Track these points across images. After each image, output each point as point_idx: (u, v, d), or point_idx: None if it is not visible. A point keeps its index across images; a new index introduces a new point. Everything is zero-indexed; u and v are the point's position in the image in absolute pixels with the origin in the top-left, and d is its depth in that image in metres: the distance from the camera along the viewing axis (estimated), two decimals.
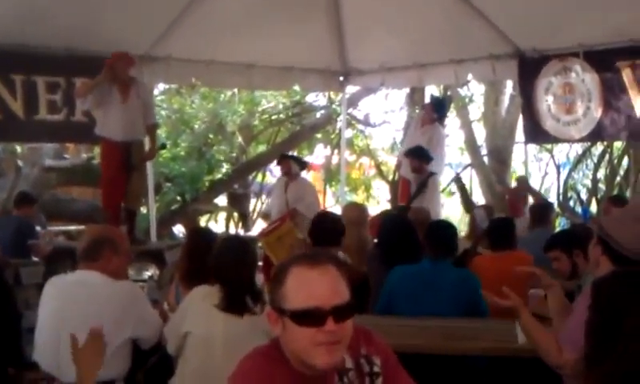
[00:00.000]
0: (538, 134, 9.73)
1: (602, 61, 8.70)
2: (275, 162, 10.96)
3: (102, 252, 4.22)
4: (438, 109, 10.91)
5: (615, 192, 13.99)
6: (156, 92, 13.90)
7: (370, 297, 5.70)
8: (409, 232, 6.04)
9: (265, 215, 10.92)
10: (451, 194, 17.56)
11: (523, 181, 10.38)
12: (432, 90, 15.37)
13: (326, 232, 5.97)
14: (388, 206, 11.54)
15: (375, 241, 6.95)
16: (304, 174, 10.46)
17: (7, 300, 4.94)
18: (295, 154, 15.58)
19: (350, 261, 6.53)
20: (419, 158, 9.80)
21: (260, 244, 8.69)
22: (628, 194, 13.59)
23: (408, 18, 9.66)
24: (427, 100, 11.36)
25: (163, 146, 9.11)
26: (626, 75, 8.43)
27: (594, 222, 4.03)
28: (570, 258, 5.29)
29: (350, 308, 2.45)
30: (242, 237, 4.68)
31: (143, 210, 10.83)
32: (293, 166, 9.75)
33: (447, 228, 5.74)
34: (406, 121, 15.02)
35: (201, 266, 4.48)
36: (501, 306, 3.91)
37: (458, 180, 9.52)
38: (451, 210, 17.90)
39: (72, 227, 12.08)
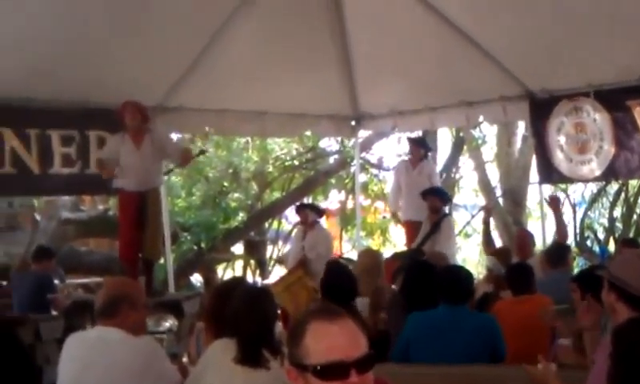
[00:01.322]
0: (551, 174, 9.71)
1: (613, 100, 8.71)
2: (291, 208, 11.07)
3: (120, 308, 4.20)
4: (422, 144, 11.14)
5: (632, 230, 13.95)
6: None
7: (391, 347, 5.69)
8: (432, 279, 6.01)
9: (280, 260, 11.01)
10: (467, 236, 17.48)
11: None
12: (445, 132, 15.45)
13: (341, 289, 5.92)
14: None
15: (394, 287, 6.95)
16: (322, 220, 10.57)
17: (24, 363, 4.89)
18: (310, 200, 15.64)
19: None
20: (441, 198, 9.89)
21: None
22: None
23: (417, 61, 9.72)
24: (407, 144, 11.42)
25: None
26: (637, 114, 8.43)
27: (604, 270, 4.02)
28: (583, 298, 5.33)
29: (371, 359, 2.47)
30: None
31: (160, 260, 10.84)
32: (310, 215, 9.87)
33: (461, 272, 5.72)
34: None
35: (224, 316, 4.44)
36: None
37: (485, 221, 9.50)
38: (468, 252, 17.83)
39: (90, 279, 12.11)
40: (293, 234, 13.55)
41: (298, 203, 11.19)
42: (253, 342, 4.07)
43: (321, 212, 10.47)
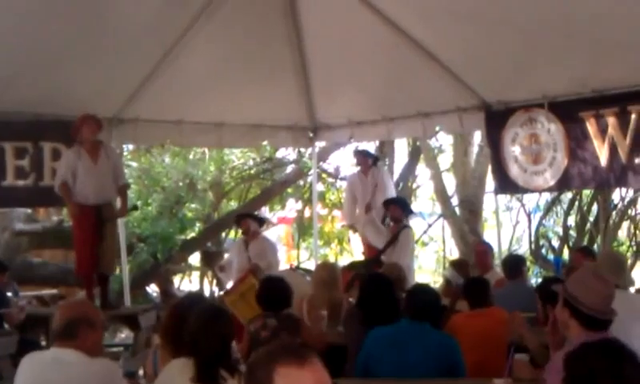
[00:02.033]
0: (507, 184, 9.78)
1: (567, 111, 8.79)
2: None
3: (78, 331, 4.14)
4: (367, 154, 11.17)
5: (586, 239, 14.13)
6: (125, 151, 13.88)
7: (349, 359, 5.69)
8: (390, 293, 6.04)
9: (221, 267, 10.80)
10: (424, 244, 17.55)
11: None
12: (402, 142, 15.51)
13: (275, 296, 6.09)
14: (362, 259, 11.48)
15: (351, 300, 6.95)
16: (271, 229, 10.52)
17: None
18: (267, 209, 15.59)
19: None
20: (402, 207, 9.90)
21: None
22: (599, 240, 13.70)
23: (374, 72, 9.76)
24: (354, 157, 11.47)
25: (135, 208, 9.18)
26: (590, 125, 8.52)
27: (559, 285, 4.07)
28: (543, 309, 5.39)
29: None
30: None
31: (115, 272, 10.73)
32: (252, 225, 9.79)
33: (431, 292, 5.69)
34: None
35: (181, 335, 4.41)
36: None
37: None
38: (425, 261, 17.91)
39: (44, 292, 11.96)
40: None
41: (237, 214, 11.01)
42: (210, 362, 4.05)
43: (262, 221, 10.42)
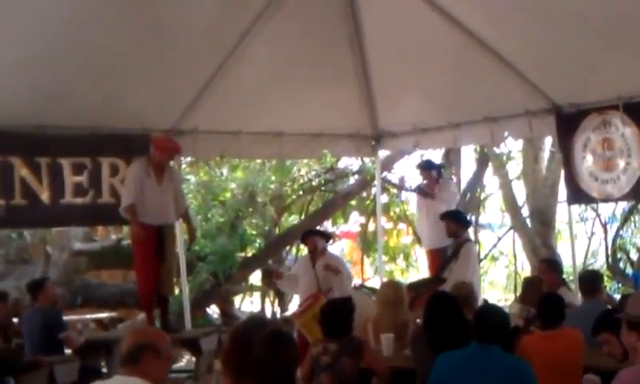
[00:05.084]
0: (579, 194, 9.19)
1: None
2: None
3: (144, 357, 3.98)
4: (430, 167, 10.81)
5: None
6: (183, 165, 13.67)
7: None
8: (458, 314, 5.78)
9: (278, 275, 10.46)
10: (494, 259, 16.89)
11: None
12: (469, 149, 15.00)
13: (335, 322, 6.00)
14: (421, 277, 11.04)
15: (418, 321, 6.59)
16: (335, 245, 10.20)
17: None
18: (330, 223, 15.17)
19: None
20: (455, 221, 9.40)
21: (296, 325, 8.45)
22: None
23: (439, 76, 9.39)
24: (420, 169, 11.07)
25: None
26: None
27: (623, 313, 3.68)
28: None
29: None
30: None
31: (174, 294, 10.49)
32: (319, 242, 9.40)
33: (499, 312, 5.38)
34: None
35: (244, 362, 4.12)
36: None
37: None
38: (495, 276, 17.28)
39: (103, 314, 11.79)
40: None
41: (304, 231, 10.60)
42: None
43: (328, 237, 10.08)
